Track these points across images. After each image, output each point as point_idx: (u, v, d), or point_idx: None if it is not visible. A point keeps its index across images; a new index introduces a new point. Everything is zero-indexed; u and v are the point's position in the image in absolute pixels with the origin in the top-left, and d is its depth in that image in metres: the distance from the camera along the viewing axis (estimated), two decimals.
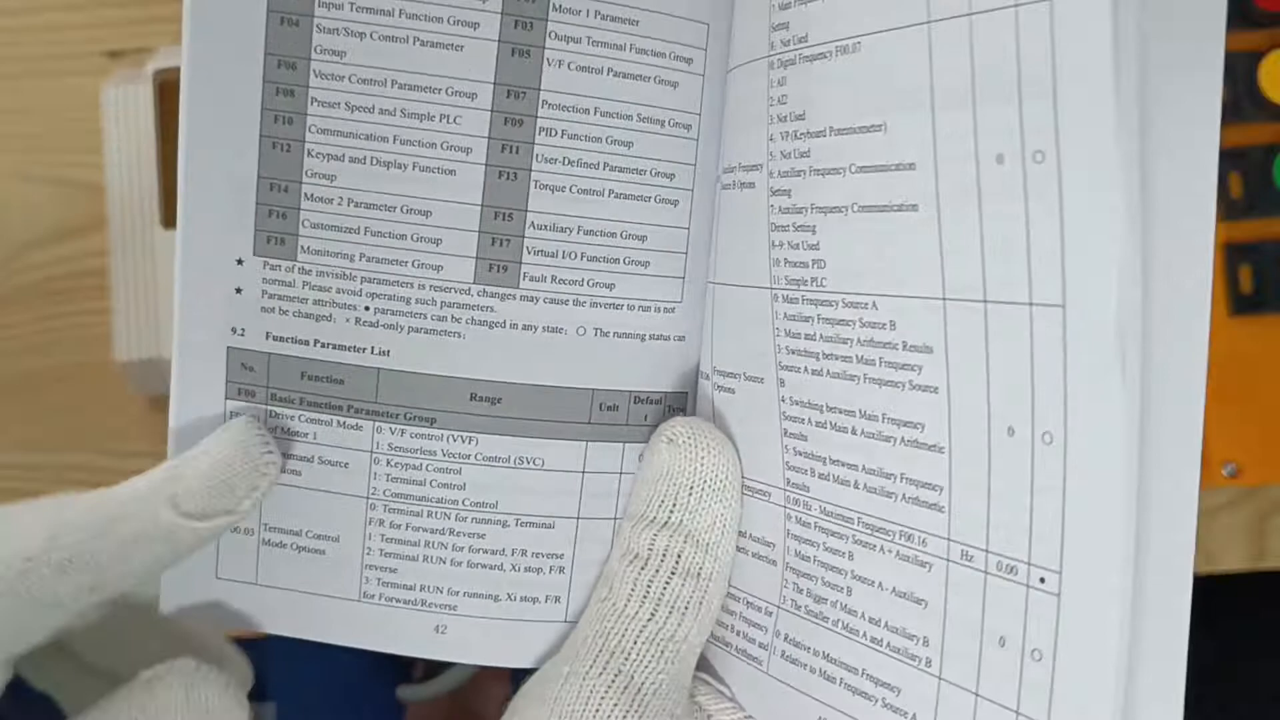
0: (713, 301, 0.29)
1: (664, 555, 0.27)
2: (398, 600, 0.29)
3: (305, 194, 0.28)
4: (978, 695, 0.23)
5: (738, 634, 0.29)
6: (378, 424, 0.28)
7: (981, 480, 0.23)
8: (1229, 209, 0.45)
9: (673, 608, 0.27)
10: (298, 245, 0.28)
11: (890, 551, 0.25)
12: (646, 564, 0.27)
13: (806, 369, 0.27)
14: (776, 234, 0.27)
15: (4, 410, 0.49)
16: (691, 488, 0.27)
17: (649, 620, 0.27)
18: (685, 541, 0.27)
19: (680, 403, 0.30)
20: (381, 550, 0.29)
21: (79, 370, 0.49)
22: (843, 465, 0.26)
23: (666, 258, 0.29)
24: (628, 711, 0.26)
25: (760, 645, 0.29)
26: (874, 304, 0.25)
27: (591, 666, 0.27)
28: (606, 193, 0.28)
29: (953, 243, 0.23)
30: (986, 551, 0.23)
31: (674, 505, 0.27)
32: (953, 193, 0.23)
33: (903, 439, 0.25)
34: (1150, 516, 0.21)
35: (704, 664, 0.30)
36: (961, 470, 0.23)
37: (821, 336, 0.26)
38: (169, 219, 0.42)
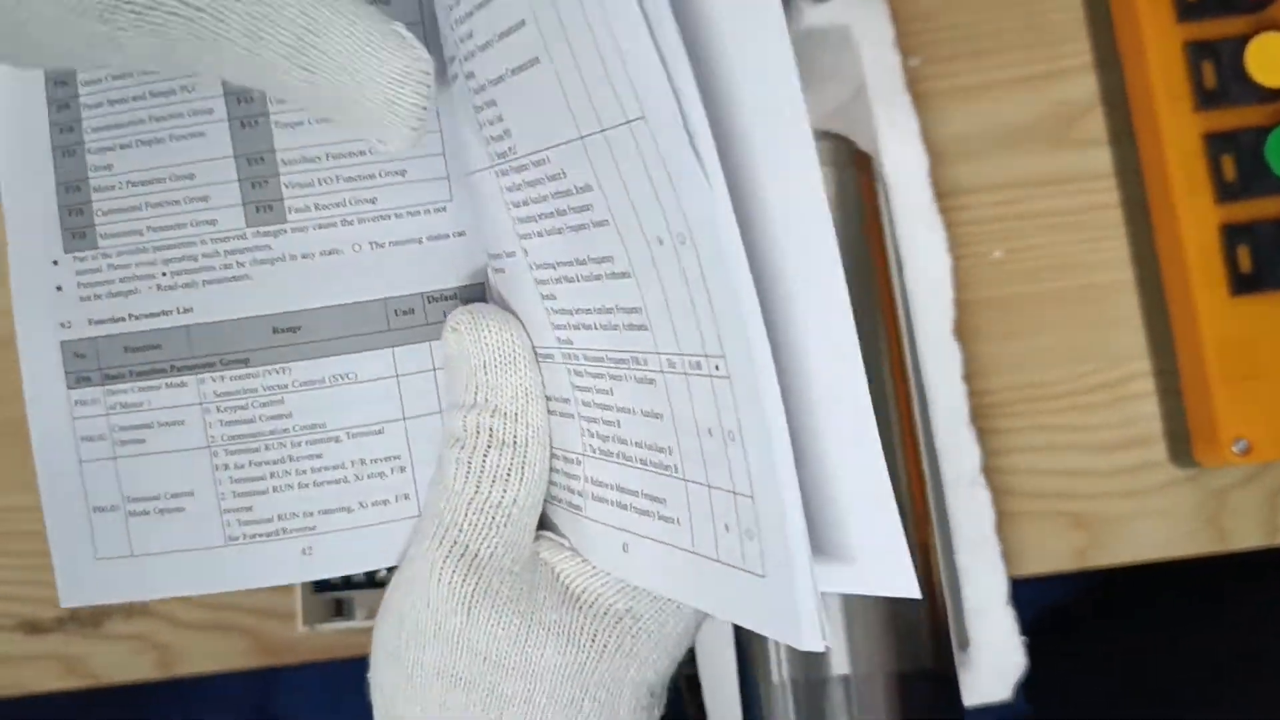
0: (470, 192, 0.31)
1: (477, 432, 0.29)
2: (260, 535, 0.31)
3: (93, 187, 0.31)
4: (709, 486, 0.25)
5: (562, 488, 0.31)
6: (199, 376, 0.31)
7: (658, 292, 0.25)
8: (1223, 192, 0.46)
9: (495, 478, 0.29)
10: (97, 235, 0.31)
11: (630, 377, 0.27)
12: (464, 444, 0.29)
13: (534, 233, 0.28)
14: (479, 114, 0.29)
15: (8, 455, 0.49)
16: (485, 365, 0.29)
17: (475, 493, 0.29)
18: (493, 416, 0.29)
19: (477, 295, 0.32)
20: (234, 492, 0.31)
21: None
22: (584, 312, 0.28)
23: (422, 163, 0.31)
24: (465, 576, 0.28)
25: (577, 493, 0.30)
26: (547, 158, 0.26)
27: (430, 542, 0.29)
28: None
29: (567, 82, 0.24)
30: (681, 355, 0.25)
31: (475, 386, 0.29)
32: (552, 35, 0.24)
33: (606, 273, 0.26)
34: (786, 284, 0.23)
35: (545, 522, 0.31)
36: (645, 288, 0.25)
37: (529, 200, 0.28)
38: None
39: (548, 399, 0.30)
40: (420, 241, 0.31)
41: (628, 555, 0.29)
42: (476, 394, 0.29)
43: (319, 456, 0.31)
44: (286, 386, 0.31)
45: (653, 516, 0.27)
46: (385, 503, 0.32)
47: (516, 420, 0.30)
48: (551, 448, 0.30)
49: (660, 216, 0.24)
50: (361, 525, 0.31)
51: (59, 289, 0.31)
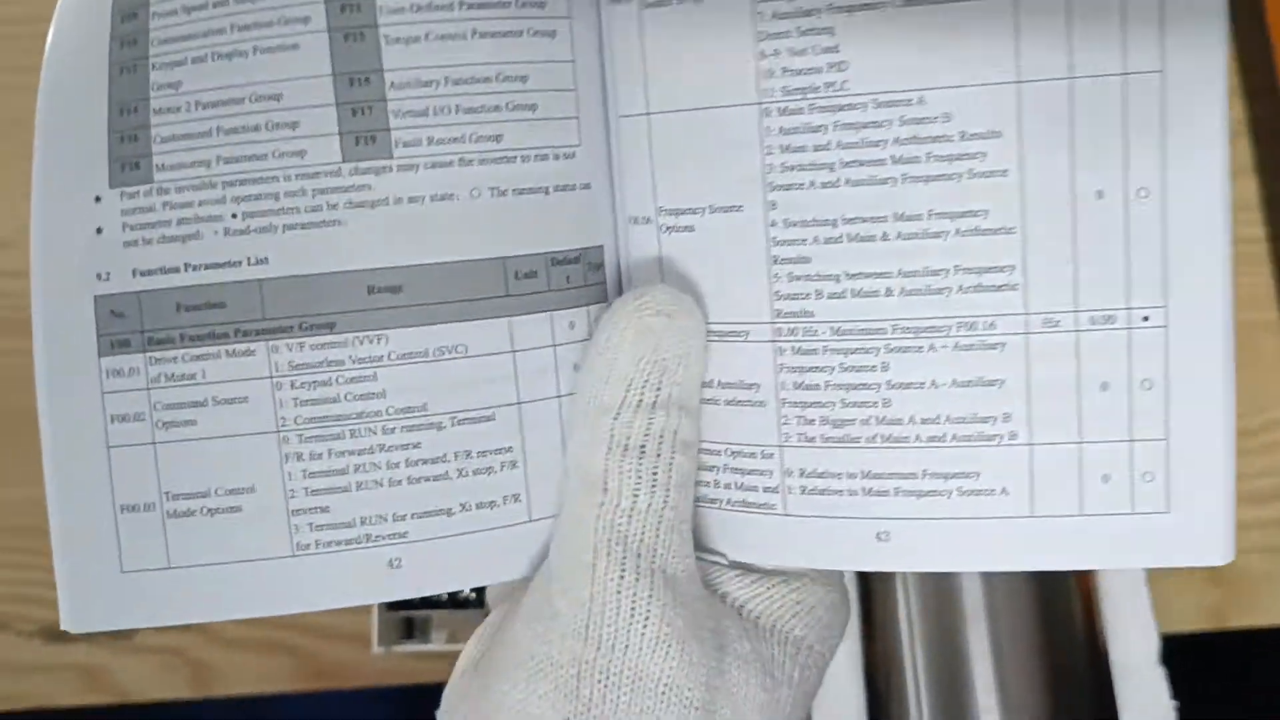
0: (625, 137, 0.26)
1: (662, 437, 0.24)
2: (338, 543, 0.25)
3: (154, 109, 0.25)
4: (1081, 442, 0.24)
5: (730, 488, 0.26)
6: (271, 343, 0.25)
7: (1064, 248, 0.24)
8: None
9: (683, 487, 0.25)
10: (152, 166, 0.25)
11: (944, 347, 0.25)
12: (646, 452, 0.24)
13: (814, 183, 0.25)
14: (771, 42, 0.25)
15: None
16: (680, 359, 0.25)
17: (664, 507, 0.24)
18: (682, 416, 0.25)
19: (598, 258, 0.27)
20: (307, 489, 0.25)
21: None
22: (868, 277, 0.25)
23: (554, 97, 0.26)
24: (666, 606, 0.24)
25: (767, 490, 0.26)
26: (920, 99, 0.24)
27: (624, 575, 0.24)
28: (469, 34, 0.25)
29: (1032, 22, 0.24)
30: (1075, 312, 0.24)
31: (661, 383, 0.25)
32: None
33: (958, 230, 0.24)
34: None
35: (694, 531, 0.26)
36: (1039, 244, 0.24)
37: (839, 144, 0.25)
38: None
39: (714, 385, 0.26)
40: (547, 192, 0.26)
41: (887, 544, 0.25)
42: (660, 391, 0.25)
43: (416, 446, 0.25)
44: (381, 359, 0.25)
45: (946, 495, 0.25)
46: (492, 505, 0.26)
47: (696, 418, 0.25)
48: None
49: (1116, 169, 0.24)
50: (462, 532, 0.26)
51: (99, 231, 0.25)
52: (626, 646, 0.23)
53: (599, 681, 0.23)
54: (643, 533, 0.24)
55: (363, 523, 0.25)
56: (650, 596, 0.24)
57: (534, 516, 0.26)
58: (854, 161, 0.25)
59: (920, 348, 0.25)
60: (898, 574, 0.39)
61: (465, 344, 0.26)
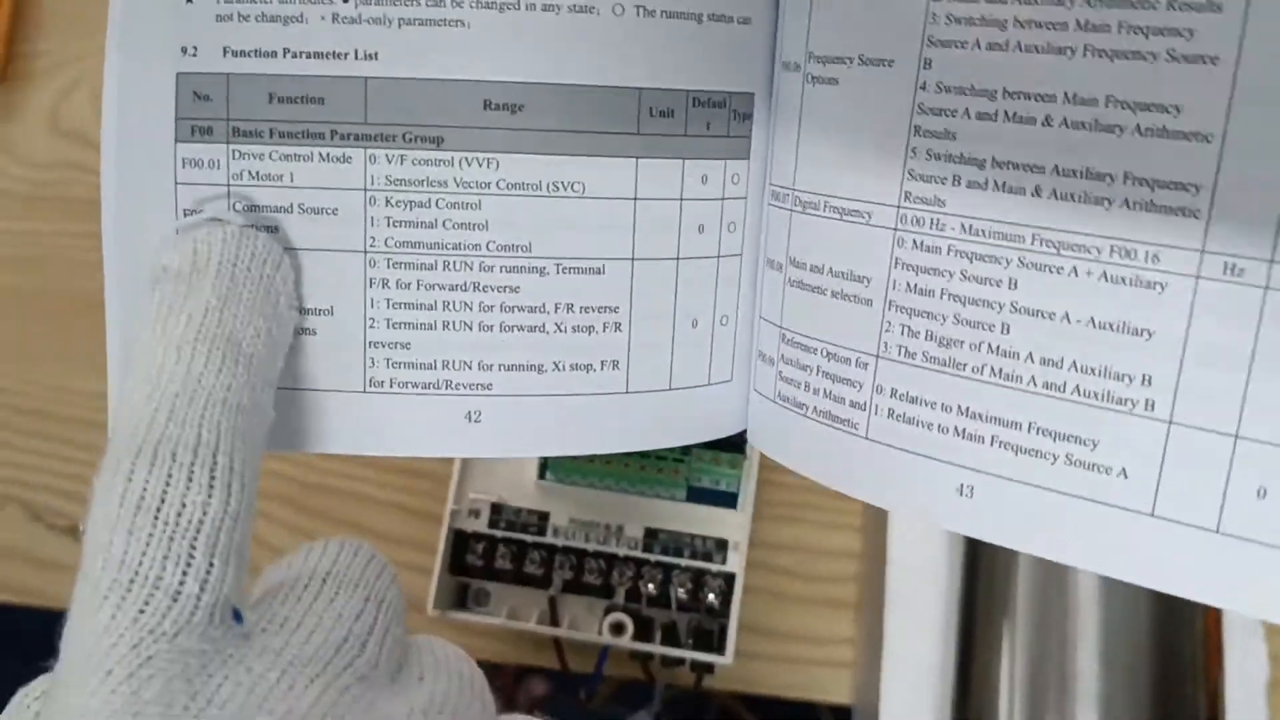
0: None
1: None
2: (415, 385, 0.23)
3: None
4: (1238, 437, 0.19)
5: (818, 393, 0.23)
6: (370, 151, 0.22)
7: (1271, 174, 0.18)
8: None
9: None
10: None
11: (1089, 273, 0.20)
12: None
13: (978, 42, 0.21)
14: None
15: None
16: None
17: None
18: None
19: (746, 106, 0.24)
20: (389, 320, 0.23)
21: None
22: (1018, 168, 0.21)
23: None
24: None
25: (853, 405, 0.23)
26: None
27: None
28: None
29: None
30: (1271, 262, 0.18)
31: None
32: None
33: (1139, 127, 0.19)
34: None
35: (771, 430, 0.24)
36: (1240, 161, 0.19)
37: (1017, 20, 0.20)
38: None
39: (824, 271, 0.23)
40: (700, 19, 0.23)
41: (968, 500, 0.21)
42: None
43: (515, 290, 0.23)
44: (489, 186, 0.22)
45: (1052, 459, 0.20)
46: (588, 368, 0.23)
47: None
48: (789, 331, 0.23)
49: None
50: (551, 393, 0.23)
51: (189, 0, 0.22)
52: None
53: None
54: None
55: (444, 366, 0.23)
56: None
57: (631, 389, 0.24)
58: (1030, 21, 0.20)
59: (1060, 268, 0.20)
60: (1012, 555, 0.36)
61: (583, 181, 0.22)
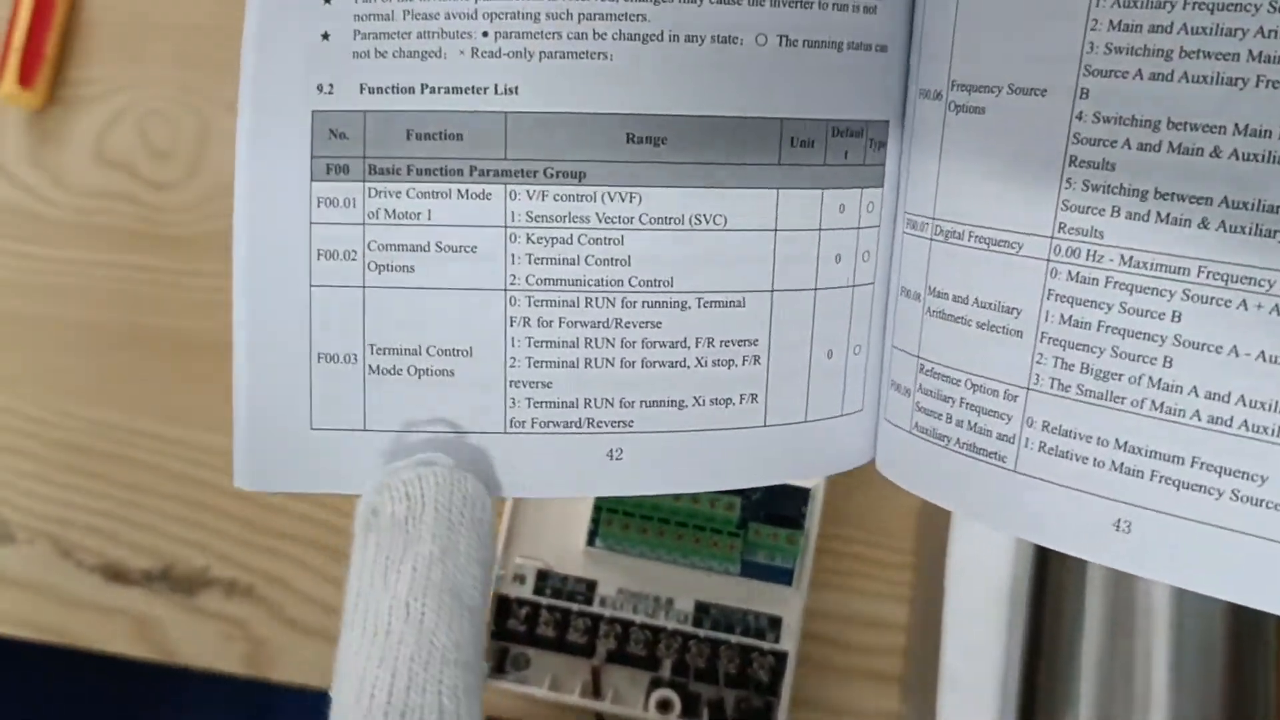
0: None
1: None
2: (557, 424, 0.22)
3: None
4: None
5: (962, 426, 0.23)
6: (510, 187, 0.22)
7: None
8: None
9: None
10: None
11: (1262, 306, 0.20)
12: None
13: (1141, 73, 0.20)
14: None
15: (156, 372, 0.41)
16: None
17: None
18: None
19: (882, 135, 0.23)
20: (530, 360, 0.22)
21: None
22: (1183, 200, 0.20)
23: None
24: None
25: (1001, 437, 0.22)
26: None
27: None
28: None
29: None
30: None
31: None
32: None
33: None
34: None
35: (905, 462, 0.23)
36: None
37: (1184, 27, 0.20)
38: None
39: (969, 302, 0.22)
40: (840, 48, 0.22)
41: (1126, 536, 0.21)
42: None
43: (657, 326, 0.22)
44: (632, 221, 0.22)
45: (1217, 495, 0.20)
46: (727, 402, 0.23)
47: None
48: (928, 361, 0.23)
49: None
50: (691, 429, 0.23)
51: (325, 37, 0.22)
52: None
53: None
54: None
55: (586, 404, 0.22)
56: None
57: (769, 422, 0.23)
58: (1198, 51, 0.20)
59: (1228, 301, 0.20)
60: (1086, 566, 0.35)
61: (725, 214, 0.22)
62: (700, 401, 0.23)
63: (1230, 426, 0.20)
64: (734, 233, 0.22)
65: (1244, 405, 0.20)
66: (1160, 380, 0.21)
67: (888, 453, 0.25)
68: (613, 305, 0.22)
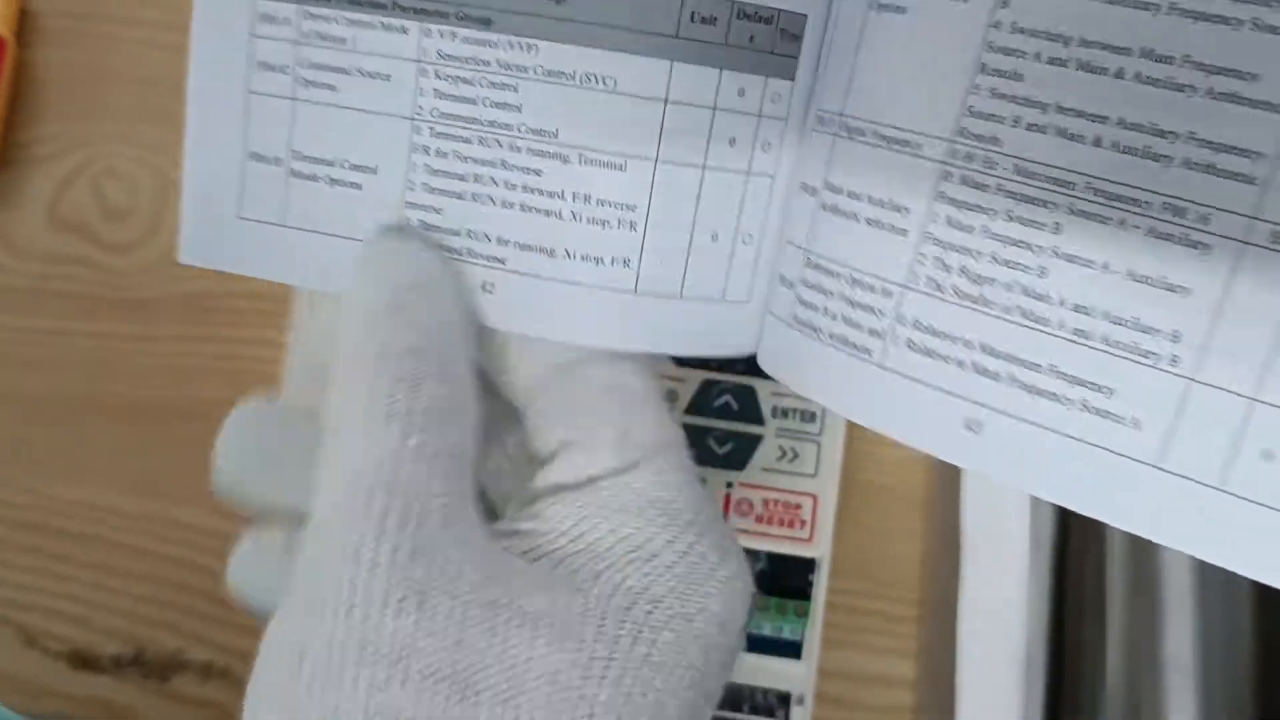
0: None
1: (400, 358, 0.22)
2: (443, 249, 0.24)
3: None
4: (1255, 400, 0.19)
5: (836, 318, 0.23)
6: (425, 25, 0.24)
7: None
8: None
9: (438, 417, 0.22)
10: None
11: (1139, 228, 0.20)
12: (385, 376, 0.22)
13: None
14: None
15: (121, 443, 0.39)
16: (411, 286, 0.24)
17: (404, 441, 0.22)
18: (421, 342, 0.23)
19: (796, 26, 0.24)
20: (426, 185, 0.24)
21: (220, 410, 0.34)
22: (1081, 117, 0.20)
23: None
24: (412, 555, 0.20)
25: (871, 332, 0.23)
26: None
27: (347, 516, 0.21)
28: None
29: None
30: None
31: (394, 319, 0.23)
32: None
33: (1211, 90, 0.19)
34: None
35: (782, 354, 0.24)
36: None
37: None
38: None
39: (862, 198, 0.23)
40: None
41: (975, 436, 0.21)
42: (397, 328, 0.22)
43: (538, 174, 0.24)
44: (527, 70, 0.23)
45: (1068, 404, 0.21)
46: (598, 261, 0.24)
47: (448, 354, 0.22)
48: (815, 254, 0.23)
49: None
50: (560, 279, 0.24)
51: None
52: (350, 609, 0.18)
53: (318, 662, 0.18)
54: (379, 469, 0.20)
55: (469, 235, 0.24)
56: (379, 541, 0.19)
57: (641, 289, 0.24)
58: None
59: (1107, 218, 0.20)
60: (1107, 550, 0.33)
61: (616, 77, 0.23)
62: (571, 254, 0.24)
63: (1090, 340, 0.20)
64: (623, 96, 0.23)
65: (1106, 320, 0.20)
66: (1032, 289, 0.21)
67: (769, 345, 0.25)
68: (501, 147, 0.24)
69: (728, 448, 0.28)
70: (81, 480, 0.39)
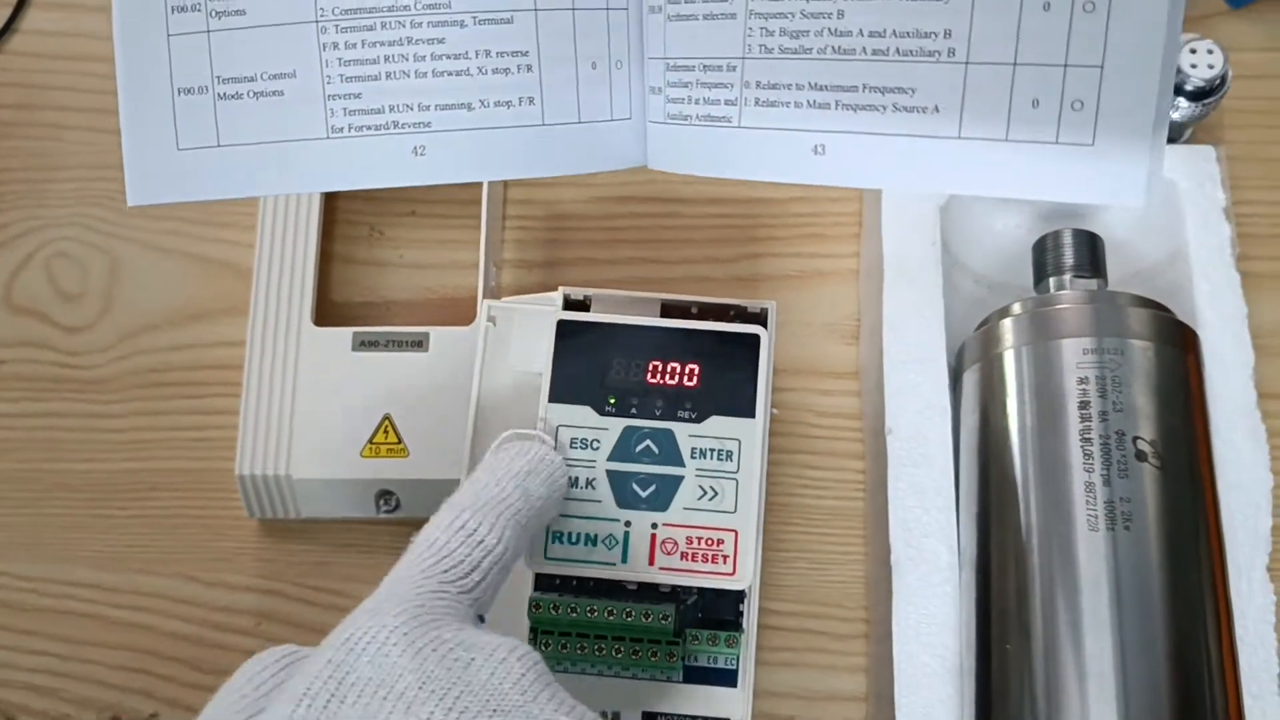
0: None
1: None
2: (368, 128, 0.28)
3: None
4: (1015, 64, 0.25)
5: (698, 103, 0.28)
6: None
7: None
8: None
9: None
10: None
11: None
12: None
13: None
14: None
15: (84, 519, 0.40)
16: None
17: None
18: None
19: None
20: (342, 76, 0.28)
21: (181, 480, 0.39)
22: None
23: None
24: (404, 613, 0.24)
25: (727, 102, 0.28)
26: None
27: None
28: None
29: None
30: None
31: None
32: None
33: None
34: None
35: (667, 149, 0.29)
36: None
37: None
38: (321, 314, 0.37)
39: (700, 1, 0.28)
40: None
41: (822, 157, 0.27)
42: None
43: (440, 41, 0.28)
44: None
45: (882, 110, 0.26)
46: (508, 104, 0.28)
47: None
48: (672, 59, 0.28)
49: None
50: (481, 127, 0.28)
51: None
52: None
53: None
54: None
55: (390, 110, 0.28)
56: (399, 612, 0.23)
57: (547, 121, 0.29)
58: None
59: None
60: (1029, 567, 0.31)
61: None
62: (485, 104, 0.28)
63: (887, 55, 0.26)
64: None
65: (895, 36, 0.26)
66: (837, 29, 0.26)
67: (654, 148, 0.30)
68: (403, 26, 0.28)
69: (650, 490, 0.30)
70: (49, 558, 0.40)
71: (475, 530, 0.25)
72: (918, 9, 0.25)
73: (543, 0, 0.28)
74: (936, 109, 0.25)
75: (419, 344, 0.35)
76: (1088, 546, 0.29)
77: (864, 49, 0.26)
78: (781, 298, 0.39)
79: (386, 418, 0.34)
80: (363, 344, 0.36)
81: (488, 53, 0.28)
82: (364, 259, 0.40)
